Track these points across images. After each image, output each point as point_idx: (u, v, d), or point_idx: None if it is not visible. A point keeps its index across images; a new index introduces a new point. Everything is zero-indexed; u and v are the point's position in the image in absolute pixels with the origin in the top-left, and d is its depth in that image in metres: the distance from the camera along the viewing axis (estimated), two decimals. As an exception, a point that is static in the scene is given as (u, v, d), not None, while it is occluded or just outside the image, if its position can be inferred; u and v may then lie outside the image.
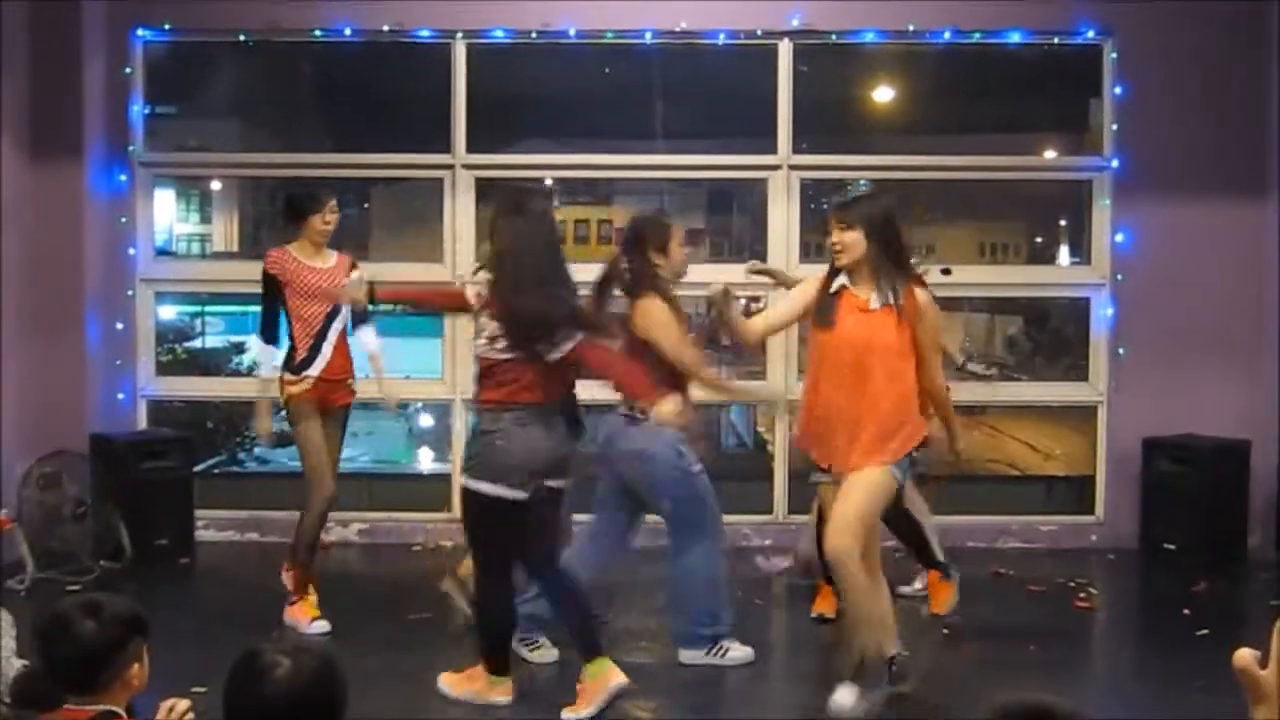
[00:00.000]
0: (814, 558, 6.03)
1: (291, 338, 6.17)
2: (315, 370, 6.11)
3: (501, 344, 4.79)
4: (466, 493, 4.85)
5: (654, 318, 5.38)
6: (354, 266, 6.23)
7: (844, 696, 4.85)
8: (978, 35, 7.94)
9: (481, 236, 8.05)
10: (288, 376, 6.13)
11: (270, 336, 6.25)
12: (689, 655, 5.52)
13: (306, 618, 5.98)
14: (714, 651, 5.51)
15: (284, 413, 6.30)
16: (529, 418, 4.76)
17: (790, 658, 5.87)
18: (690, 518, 5.49)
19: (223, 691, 3.03)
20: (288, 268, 6.14)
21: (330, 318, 6.13)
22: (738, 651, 5.53)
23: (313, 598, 6.12)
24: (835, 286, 4.87)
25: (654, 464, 5.42)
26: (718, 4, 7.86)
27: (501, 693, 4.99)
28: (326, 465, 6.16)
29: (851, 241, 4.80)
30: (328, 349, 6.14)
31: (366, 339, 6.40)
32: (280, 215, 6.37)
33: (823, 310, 4.87)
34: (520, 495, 4.74)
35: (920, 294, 4.89)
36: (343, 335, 6.21)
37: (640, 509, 5.62)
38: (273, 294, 6.18)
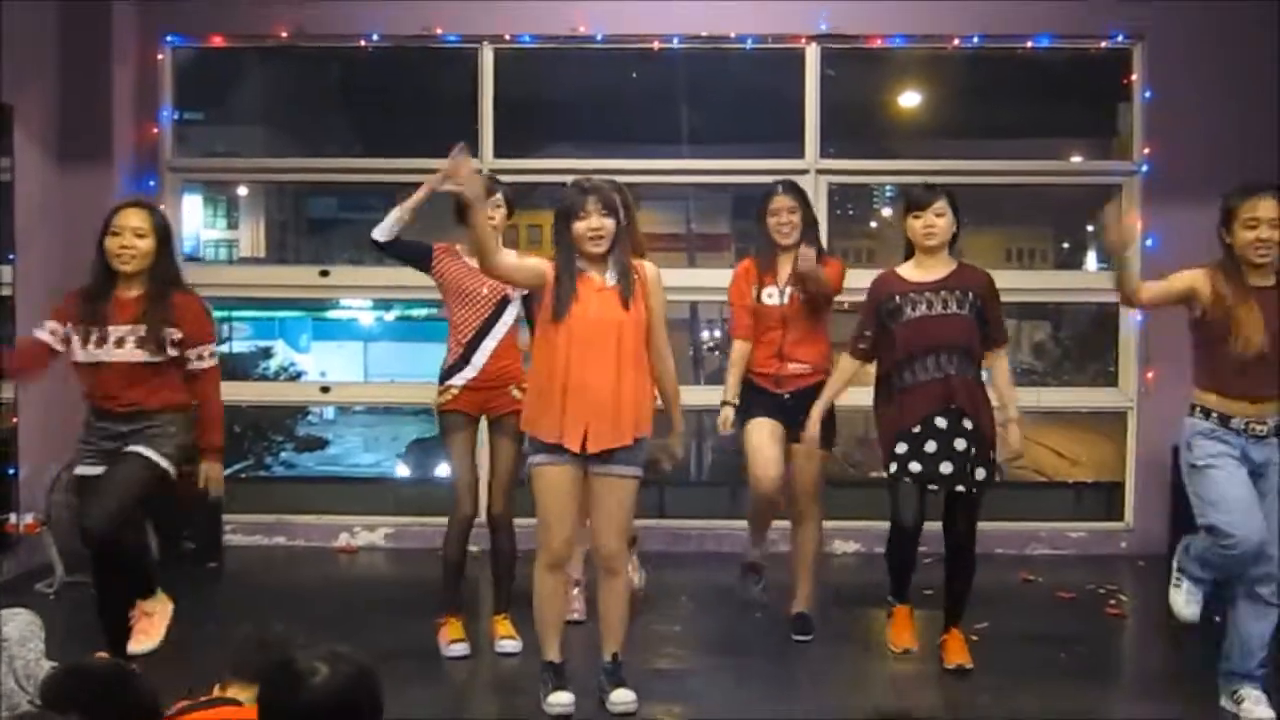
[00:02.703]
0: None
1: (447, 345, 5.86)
2: (461, 380, 5.78)
3: None
4: None
5: None
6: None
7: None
8: (1006, 39, 7.93)
9: (508, 241, 8.07)
10: (436, 386, 5.86)
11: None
12: None
13: (446, 639, 5.80)
14: None
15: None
16: None
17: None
18: None
19: (259, 698, 3.04)
20: (449, 265, 5.83)
21: (489, 324, 5.78)
22: None
23: (458, 619, 5.86)
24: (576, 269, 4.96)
25: None
26: (744, 7, 7.85)
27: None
28: (466, 484, 5.81)
29: None
30: (480, 358, 5.77)
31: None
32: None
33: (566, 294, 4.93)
34: None
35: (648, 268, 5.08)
36: (507, 339, 5.82)
37: None
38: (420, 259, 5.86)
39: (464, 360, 5.77)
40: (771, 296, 5.92)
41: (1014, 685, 5.45)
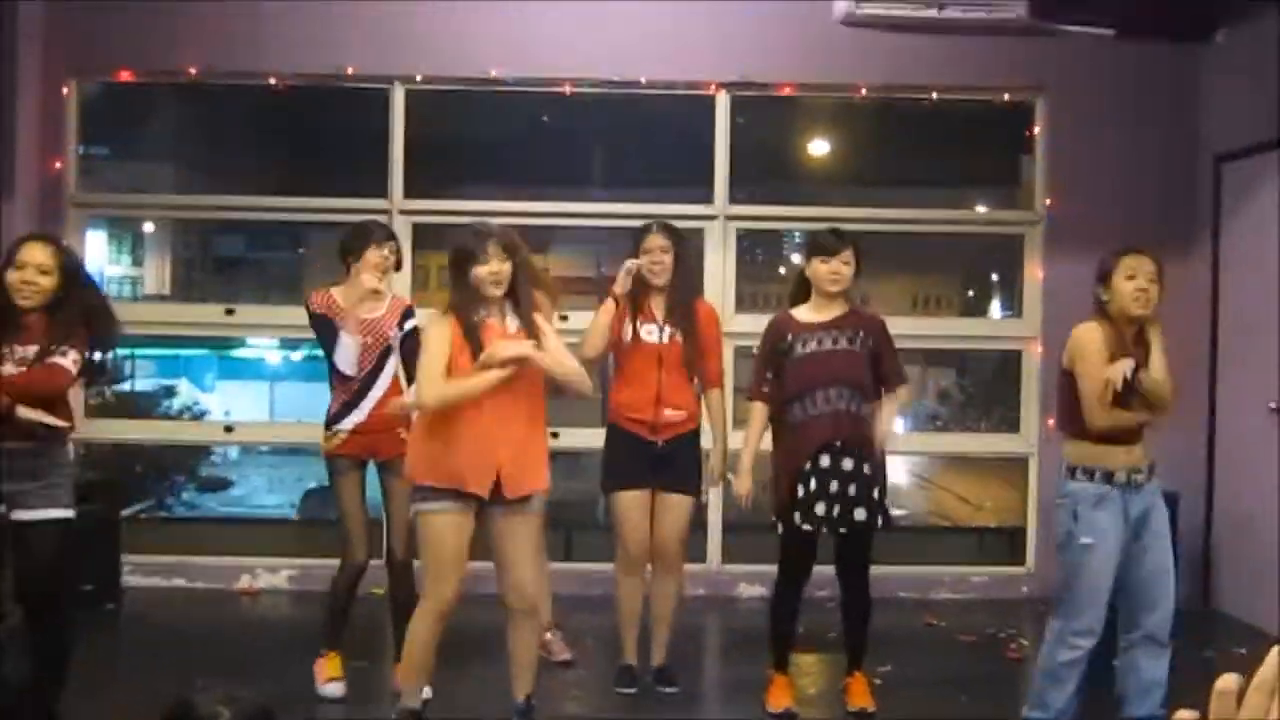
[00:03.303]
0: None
1: (332, 388, 5.81)
2: (350, 424, 5.71)
3: None
4: None
5: None
6: (409, 312, 5.83)
7: None
8: (912, 90, 8.06)
9: (417, 282, 8.05)
10: (323, 431, 5.78)
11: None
12: None
13: (323, 675, 5.75)
14: None
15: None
16: None
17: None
18: None
19: None
20: (333, 313, 5.70)
21: (374, 372, 5.72)
22: None
23: (338, 655, 5.81)
24: (479, 316, 4.95)
25: None
26: (656, 53, 7.90)
27: None
28: (360, 529, 5.73)
29: None
30: (368, 403, 5.70)
31: None
32: (338, 254, 5.83)
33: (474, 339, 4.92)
34: None
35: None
36: (393, 385, 5.76)
37: None
38: (334, 335, 5.67)
39: (352, 405, 5.72)
40: (650, 334, 5.82)
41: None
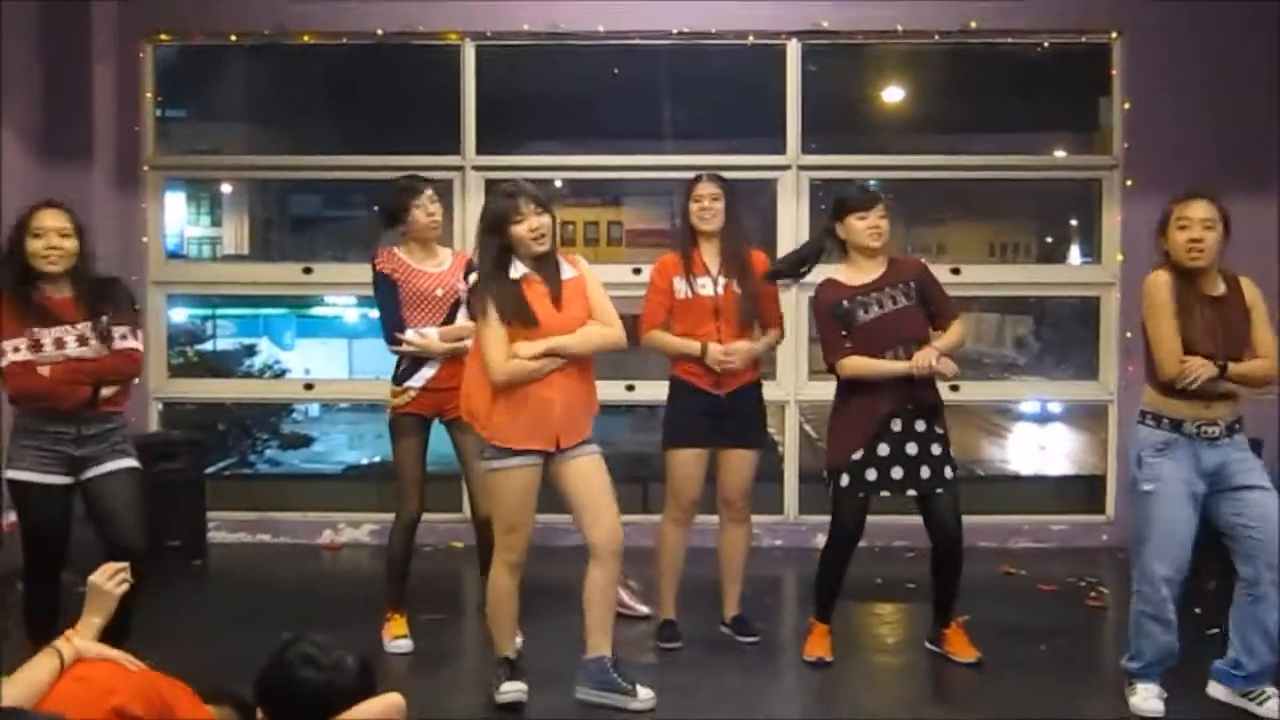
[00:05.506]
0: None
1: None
2: (420, 380, 5.79)
3: None
4: None
5: None
6: (471, 266, 5.61)
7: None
8: (987, 34, 7.95)
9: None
10: (392, 387, 5.84)
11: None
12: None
13: (389, 635, 5.85)
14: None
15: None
16: None
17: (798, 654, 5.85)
18: None
19: (258, 680, 3.12)
20: (399, 271, 5.80)
21: (445, 325, 5.77)
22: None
23: (402, 615, 5.91)
24: (520, 275, 4.96)
25: None
26: (725, 4, 7.87)
27: None
28: (415, 483, 5.84)
29: None
30: (438, 360, 5.76)
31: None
32: (381, 219, 5.92)
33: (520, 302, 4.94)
34: None
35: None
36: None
37: None
38: (394, 295, 5.77)
39: (422, 361, 5.76)
40: (705, 287, 5.77)
41: (997, 677, 5.49)
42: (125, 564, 3.71)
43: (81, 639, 3.41)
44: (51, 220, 4.98)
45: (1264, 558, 4.81)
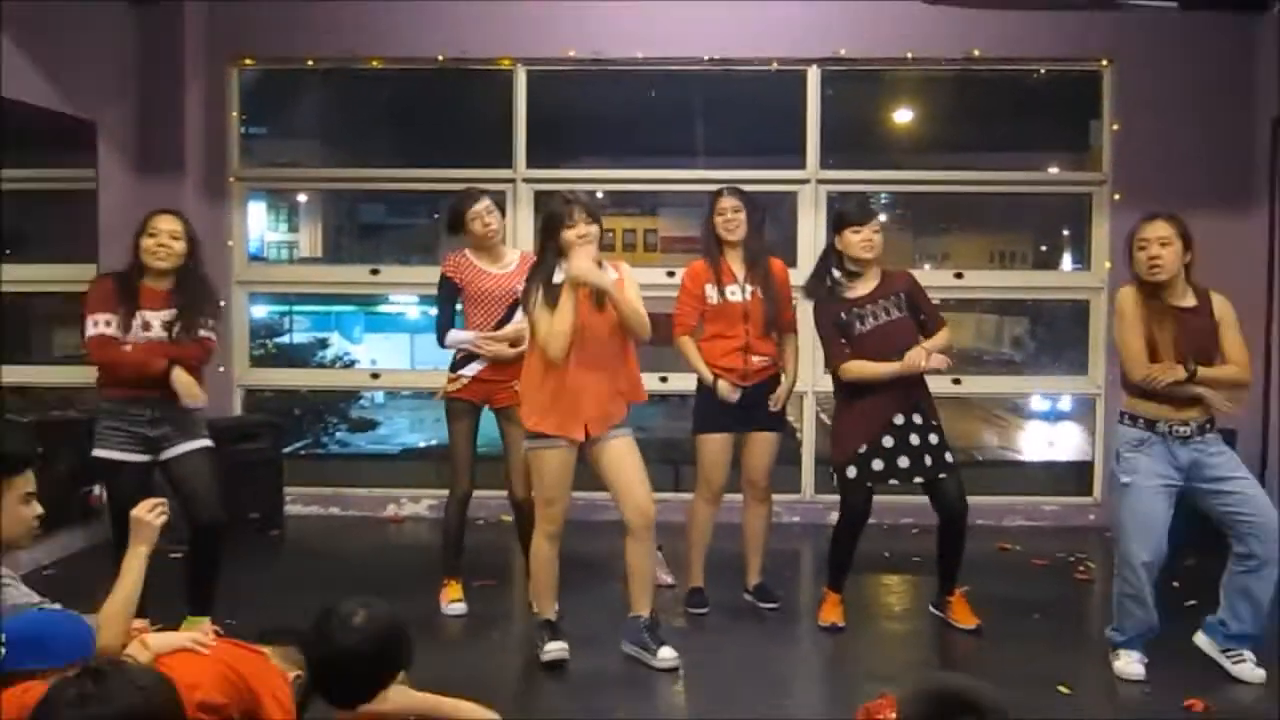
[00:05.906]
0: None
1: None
2: (472, 370, 5.84)
3: None
4: None
5: None
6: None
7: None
8: (989, 62, 7.92)
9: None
10: (448, 375, 5.91)
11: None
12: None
13: (446, 599, 5.90)
14: None
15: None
16: None
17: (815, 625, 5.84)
18: None
19: (306, 639, 3.14)
20: (465, 273, 5.86)
21: (501, 324, 5.81)
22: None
23: (458, 581, 5.96)
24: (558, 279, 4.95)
25: None
26: (752, 34, 7.87)
27: None
28: (466, 462, 5.87)
29: None
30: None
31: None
32: (447, 228, 6.00)
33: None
34: None
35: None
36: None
37: None
38: (450, 298, 5.87)
39: (475, 354, 5.81)
40: (734, 293, 5.78)
41: (994, 643, 5.48)
42: (163, 500, 3.74)
43: (154, 638, 3.25)
44: (165, 224, 5.14)
45: (1265, 538, 4.79)
